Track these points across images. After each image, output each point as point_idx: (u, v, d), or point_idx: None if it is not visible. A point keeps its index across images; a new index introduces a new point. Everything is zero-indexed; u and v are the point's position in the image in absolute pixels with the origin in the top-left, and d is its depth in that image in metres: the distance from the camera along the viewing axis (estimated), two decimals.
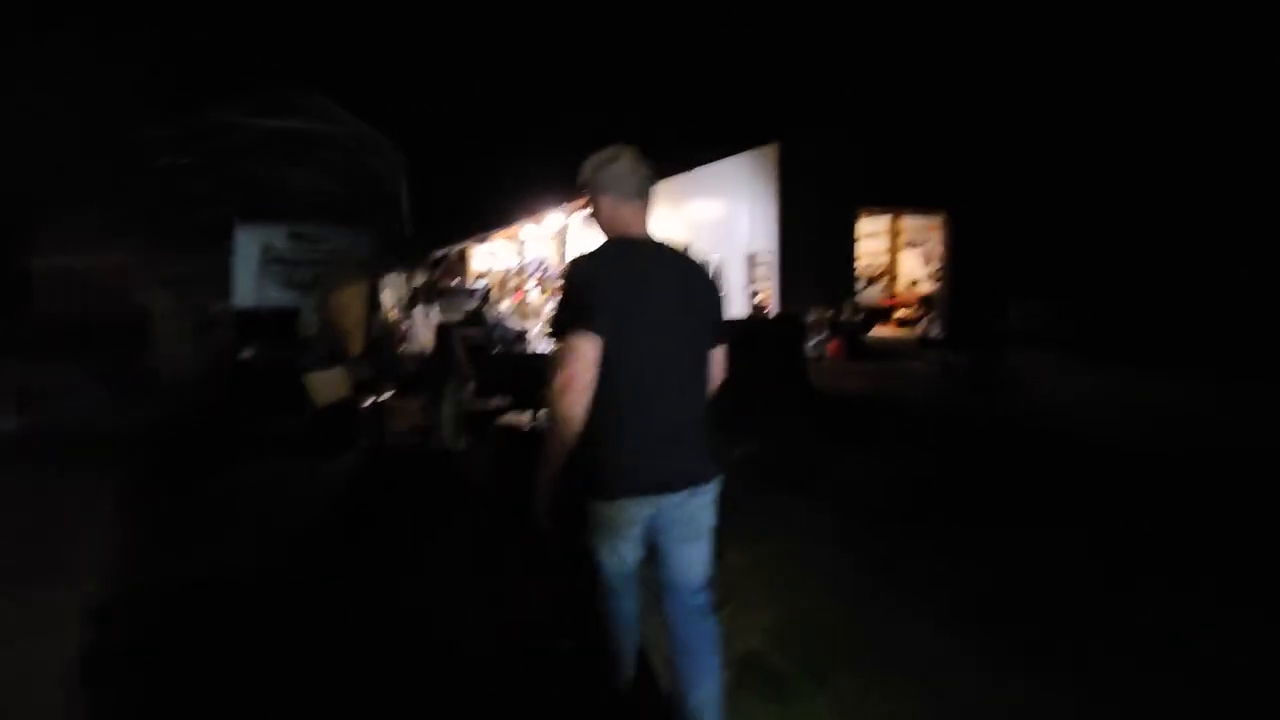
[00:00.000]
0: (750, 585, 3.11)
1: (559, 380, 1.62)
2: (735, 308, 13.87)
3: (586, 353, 1.62)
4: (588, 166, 1.86)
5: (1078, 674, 2.40)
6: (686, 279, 1.82)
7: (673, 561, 1.81)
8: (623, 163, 1.83)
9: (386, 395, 6.81)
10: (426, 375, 6.41)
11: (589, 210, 1.88)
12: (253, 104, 14.24)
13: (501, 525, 3.86)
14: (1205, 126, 12.83)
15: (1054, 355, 10.44)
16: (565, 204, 16.60)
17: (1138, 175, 13.16)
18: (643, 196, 1.84)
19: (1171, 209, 12.87)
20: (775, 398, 7.50)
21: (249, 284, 8.63)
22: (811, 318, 11.97)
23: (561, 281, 1.74)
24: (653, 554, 1.82)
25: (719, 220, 15.14)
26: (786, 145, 13.36)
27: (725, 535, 3.73)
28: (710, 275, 1.91)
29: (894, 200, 14.51)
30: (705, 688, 1.81)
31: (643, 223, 1.85)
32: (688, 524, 1.79)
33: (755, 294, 14.30)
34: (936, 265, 15.06)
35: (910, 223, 16.61)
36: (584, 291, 1.67)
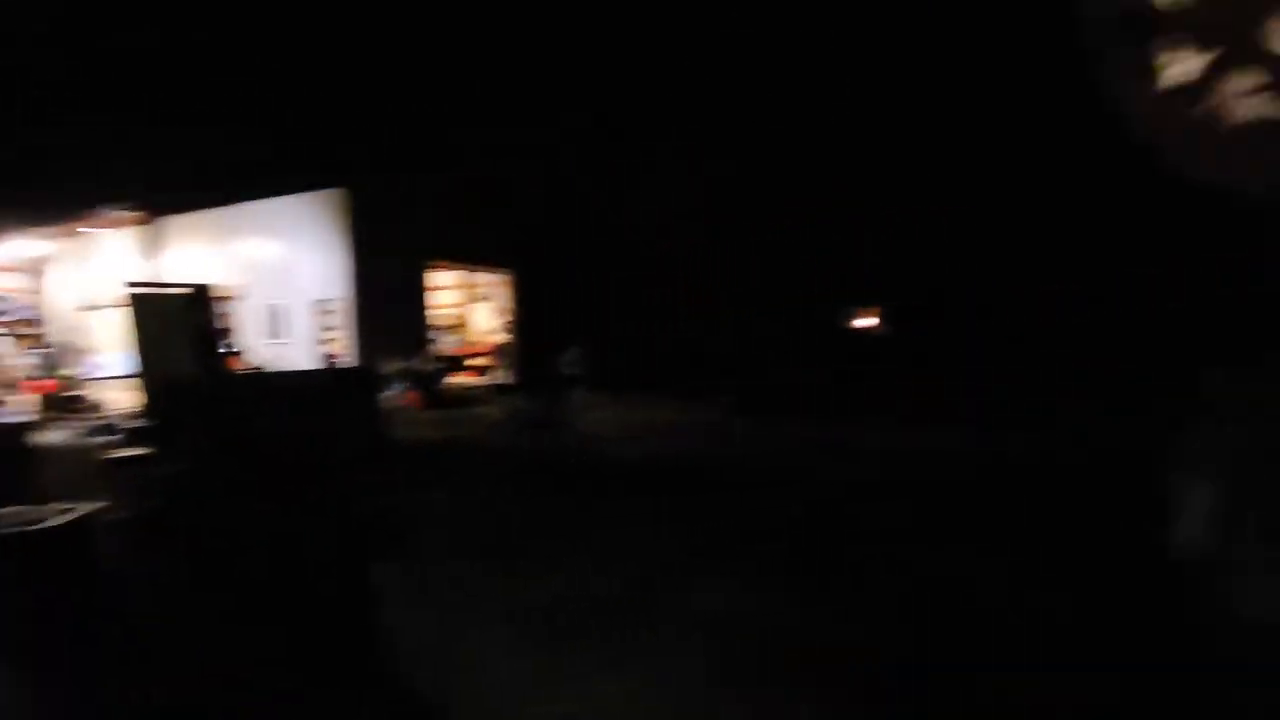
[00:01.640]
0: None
1: None
2: (305, 358, 12.69)
3: None
4: None
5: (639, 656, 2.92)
6: None
7: None
8: None
9: None
10: None
11: None
12: None
13: None
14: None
15: (601, 395, 12.35)
16: (51, 225, 12.93)
17: (658, 241, 16.57)
18: None
19: (682, 270, 16.49)
20: (349, 451, 7.10)
21: None
22: (388, 368, 11.73)
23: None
24: None
25: (277, 262, 13.73)
26: (357, 193, 13.00)
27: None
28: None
29: (465, 256, 15.38)
30: None
31: None
32: None
33: (327, 344, 13.33)
34: (505, 317, 16.40)
35: (481, 277, 17.76)
36: None
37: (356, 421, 7.90)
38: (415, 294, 14.27)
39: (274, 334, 13.65)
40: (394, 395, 11.59)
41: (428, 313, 14.83)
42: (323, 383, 8.96)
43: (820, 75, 13.35)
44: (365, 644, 2.99)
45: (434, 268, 15.02)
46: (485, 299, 18.31)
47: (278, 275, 13.69)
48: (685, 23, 13.20)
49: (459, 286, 18.20)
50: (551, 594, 3.63)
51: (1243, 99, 0.37)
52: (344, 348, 12.98)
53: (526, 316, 15.88)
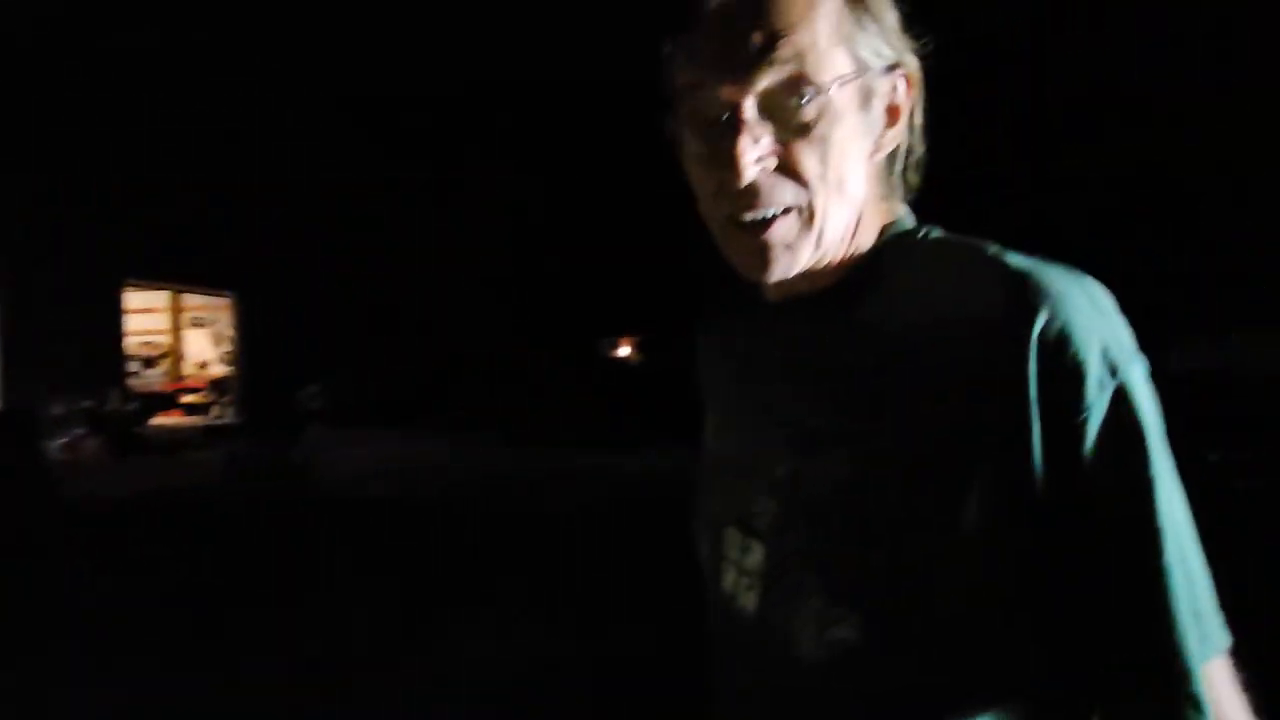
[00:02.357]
0: None
1: None
2: None
3: None
4: None
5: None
6: None
7: None
8: None
9: None
10: None
11: None
12: None
13: None
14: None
15: (350, 431, 11.26)
16: None
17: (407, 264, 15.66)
18: None
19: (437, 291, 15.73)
20: None
21: None
22: (59, 409, 9.44)
23: None
24: None
25: None
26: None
27: None
28: None
29: (174, 275, 13.09)
30: None
31: None
32: None
33: None
34: (227, 346, 14.27)
35: (196, 300, 15.30)
36: None
37: (9, 478, 6.21)
38: (105, 317, 11.73)
39: None
40: (69, 443, 9.36)
41: (123, 340, 12.30)
42: None
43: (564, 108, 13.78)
44: None
45: (134, 286, 12.54)
46: (201, 325, 15.80)
47: None
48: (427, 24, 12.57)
49: (168, 310, 15.45)
50: (261, 666, 3.13)
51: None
52: None
53: (256, 344, 13.92)
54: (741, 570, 0.63)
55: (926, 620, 0.53)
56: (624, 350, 16.73)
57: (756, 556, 0.61)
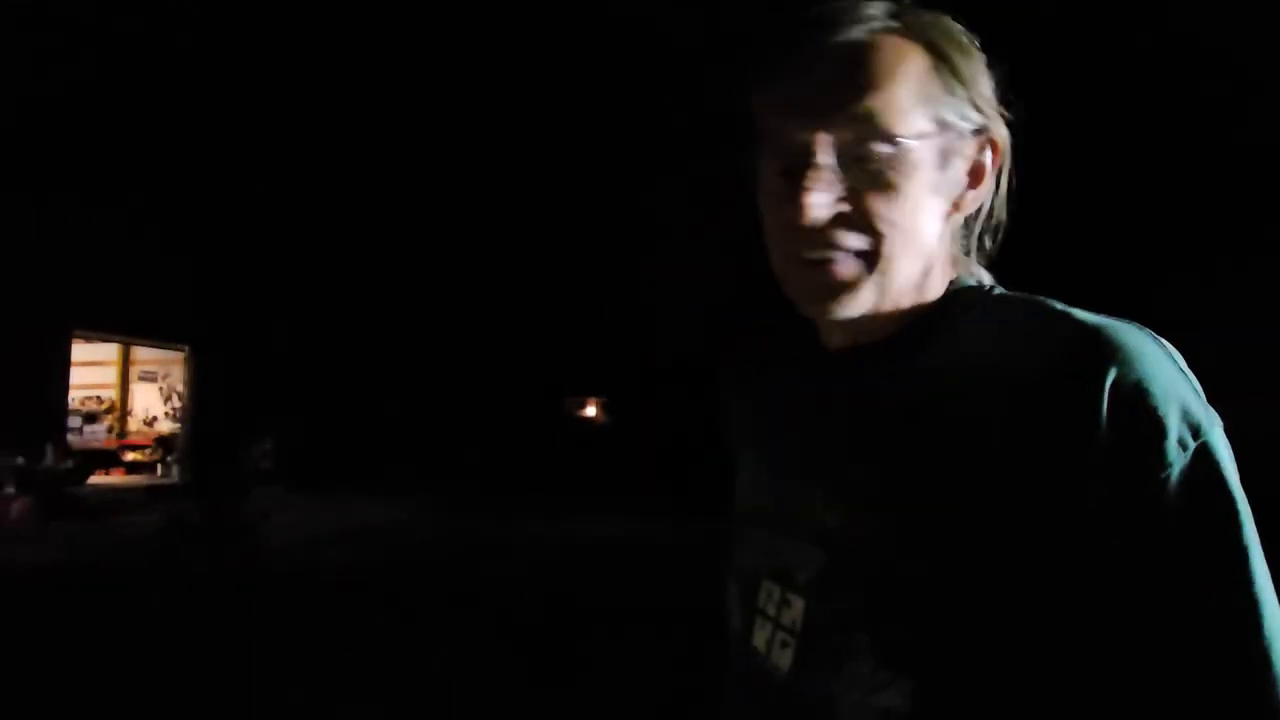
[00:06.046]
0: None
1: None
2: None
3: None
4: None
5: None
6: None
7: None
8: None
9: None
10: None
11: None
12: None
13: None
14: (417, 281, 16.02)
15: (304, 494, 10.80)
16: None
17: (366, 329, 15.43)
18: None
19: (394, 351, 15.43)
20: None
21: None
22: None
23: None
24: None
25: None
26: None
27: None
28: None
29: (125, 328, 12.70)
30: None
31: None
32: None
33: None
34: (177, 402, 13.76)
35: (147, 354, 14.82)
36: None
37: None
38: (43, 370, 11.23)
39: None
40: None
41: (65, 394, 11.75)
42: None
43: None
44: None
45: (82, 338, 12.08)
46: (150, 379, 15.25)
47: None
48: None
49: (115, 363, 14.90)
50: None
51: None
52: None
53: (208, 401, 13.44)
54: (778, 626, 0.60)
55: (983, 689, 0.50)
56: (589, 410, 16.56)
57: (795, 612, 0.59)
